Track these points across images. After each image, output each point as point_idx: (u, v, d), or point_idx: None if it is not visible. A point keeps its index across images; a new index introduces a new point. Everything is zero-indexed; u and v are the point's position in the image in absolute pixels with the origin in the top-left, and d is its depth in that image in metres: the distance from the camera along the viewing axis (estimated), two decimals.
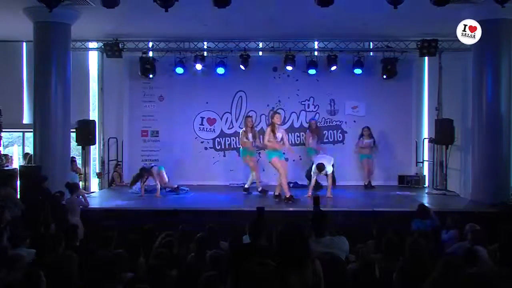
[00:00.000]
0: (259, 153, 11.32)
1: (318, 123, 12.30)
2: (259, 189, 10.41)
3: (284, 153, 10.11)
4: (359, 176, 12.05)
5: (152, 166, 10.51)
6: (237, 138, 12.09)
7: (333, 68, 11.91)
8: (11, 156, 11.34)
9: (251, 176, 10.62)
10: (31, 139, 10.34)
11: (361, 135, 11.81)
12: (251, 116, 11.28)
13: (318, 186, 10.30)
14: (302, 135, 12.23)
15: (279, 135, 9.50)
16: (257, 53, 12.55)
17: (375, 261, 4.29)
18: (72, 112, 10.13)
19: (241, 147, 10.91)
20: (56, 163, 9.53)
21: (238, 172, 12.08)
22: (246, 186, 10.59)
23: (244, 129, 10.71)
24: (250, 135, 10.43)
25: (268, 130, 9.53)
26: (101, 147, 12.61)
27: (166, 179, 10.50)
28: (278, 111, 11.16)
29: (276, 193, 9.70)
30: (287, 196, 9.36)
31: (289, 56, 11.80)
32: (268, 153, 9.56)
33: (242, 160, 10.97)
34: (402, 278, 4.01)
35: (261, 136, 10.31)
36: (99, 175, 12.61)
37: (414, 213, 7.18)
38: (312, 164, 10.15)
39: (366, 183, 11.74)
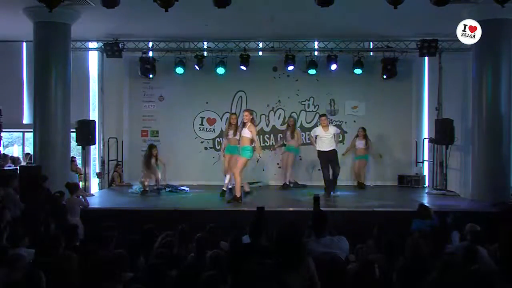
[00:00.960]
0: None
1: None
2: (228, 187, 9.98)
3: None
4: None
5: None
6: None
7: (333, 68, 11.91)
8: (11, 156, 11.34)
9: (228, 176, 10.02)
10: (31, 139, 10.34)
11: (357, 135, 11.84)
12: (235, 113, 10.61)
13: (330, 184, 9.94)
14: (303, 135, 12.22)
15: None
16: (257, 53, 12.55)
17: (375, 261, 4.28)
18: (72, 112, 10.14)
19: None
20: (56, 163, 9.54)
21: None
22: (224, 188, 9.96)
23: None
24: (230, 132, 9.80)
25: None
26: (101, 147, 12.61)
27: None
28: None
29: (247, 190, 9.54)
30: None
31: (289, 56, 11.80)
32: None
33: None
34: (402, 278, 4.01)
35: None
36: (99, 175, 12.61)
37: (414, 213, 7.17)
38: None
39: (358, 182, 11.82)
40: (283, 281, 3.33)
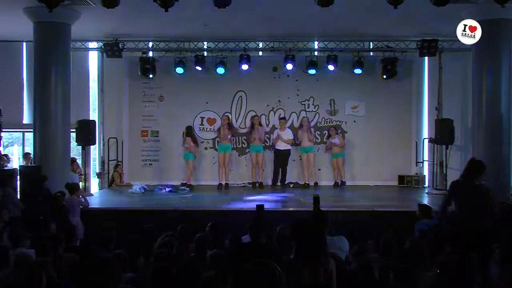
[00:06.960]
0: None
1: (318, 123, 12.35)
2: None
3: None
4: (359, 176, 12.08)
5: None
6: (237, 138, 12.20)
7: (333, 68, 11.91)
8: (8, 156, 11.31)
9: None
10: (31, 139, 10.34)
11: (329, 135, 11.95)
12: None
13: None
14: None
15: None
16: (257, 53, 12.55)
17: (374, 261, 4.29)
18: (72, 112, 10.12)
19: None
20: (56, 163, 9.51)
21: (238, 172, 12.11)
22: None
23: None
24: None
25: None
26: (101, 147, 12.60)
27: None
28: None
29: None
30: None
31: (289, 56, 11.79)
32: None
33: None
34: (401, 278, 4.01)
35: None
36: (99, 175, 12.61)
37: (414, 213, 7.17)
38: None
39: (336, 182, 11.80)
40: (297, 275, 3.32)
